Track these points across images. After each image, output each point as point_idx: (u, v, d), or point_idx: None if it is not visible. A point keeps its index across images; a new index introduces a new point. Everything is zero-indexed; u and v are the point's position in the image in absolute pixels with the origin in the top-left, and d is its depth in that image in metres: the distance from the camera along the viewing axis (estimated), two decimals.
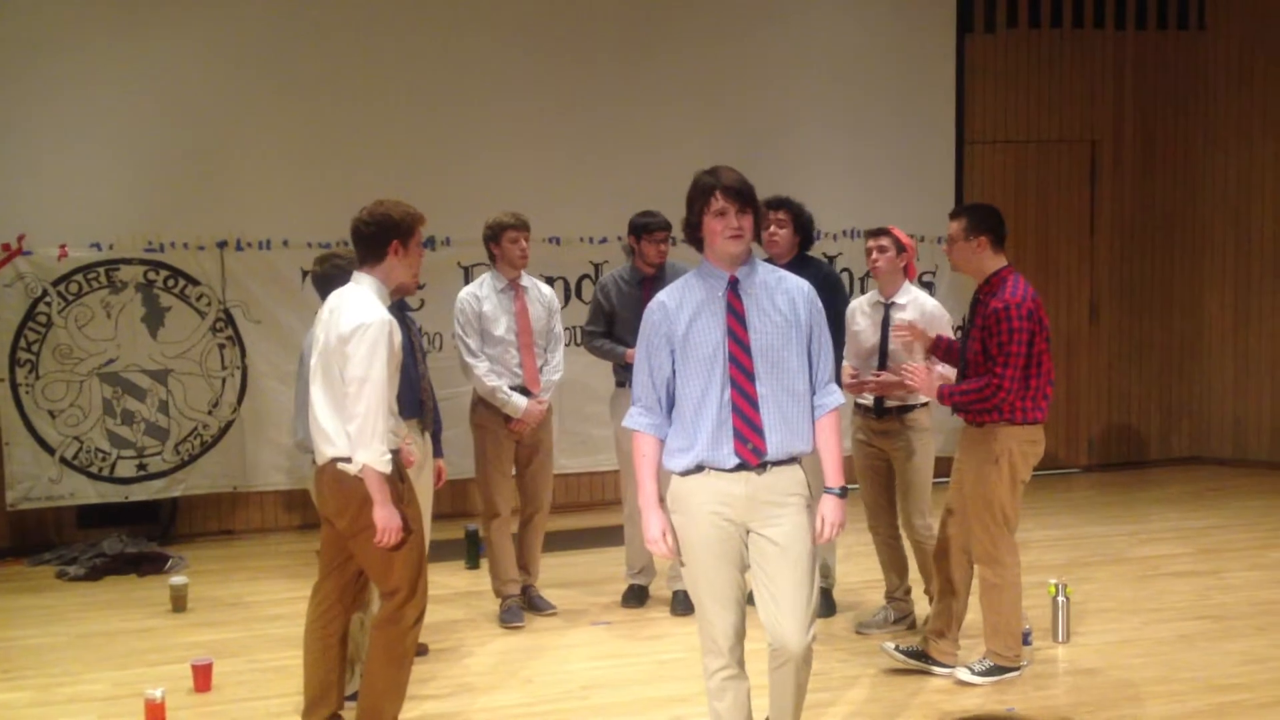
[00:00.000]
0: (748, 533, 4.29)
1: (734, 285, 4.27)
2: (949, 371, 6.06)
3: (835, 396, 4.38)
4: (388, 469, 4.69)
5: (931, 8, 10.17)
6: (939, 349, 6.09)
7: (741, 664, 4.36)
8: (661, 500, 4.35)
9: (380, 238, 4.81)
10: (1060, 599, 6.32)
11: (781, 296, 4.29)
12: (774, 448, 4.23)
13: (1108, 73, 10.67)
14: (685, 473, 4.27)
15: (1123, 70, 10.71)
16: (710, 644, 4.32)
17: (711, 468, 4.23)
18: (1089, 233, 10.78)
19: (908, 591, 6.61)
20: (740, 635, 4.33)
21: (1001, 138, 10.50)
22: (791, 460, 4.30)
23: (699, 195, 4.27)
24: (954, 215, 5.81)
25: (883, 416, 6.35)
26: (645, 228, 6.86)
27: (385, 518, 4.69)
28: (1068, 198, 10.71)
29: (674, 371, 4.25)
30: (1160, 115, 10.82)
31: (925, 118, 10.15)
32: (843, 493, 4.36)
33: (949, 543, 5.90)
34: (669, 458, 4.31)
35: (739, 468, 4.22)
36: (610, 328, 6.96)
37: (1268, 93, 10.52)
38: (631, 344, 6.82)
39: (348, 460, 4.70)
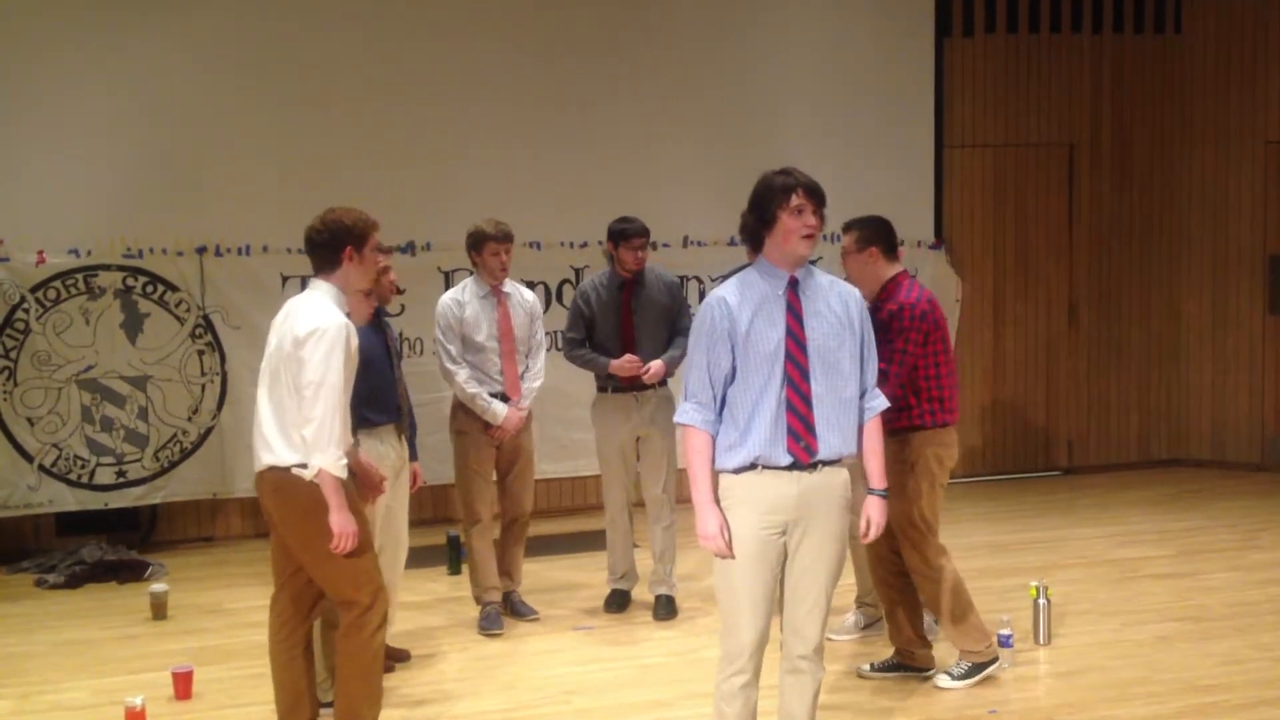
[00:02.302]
0: (789, 531, 4.34)
1: (794, 285, 4.33)
2: None
3: (881, 400, 4.51)
4: (344, 474, 4.67)
5: (910, 12, 10.19)
6: None
7: (758, 673, 4.40)
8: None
9: (334, 244, 4.81)
10: (1041, 601, 6.34)
11: (835, 299, 4.39)
12: (825, 447, 4.31)
13: (1085, 76, 10.70)
14: (738, 470, 4.31)
15: (1100, 74, 10.74)
16: (732, 645, 4.37)
17: (765, 466, 4.28)
18: (1067, 236, 10.81)
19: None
20: (764, 642, 4.37)
21: (980, 141, 10.52)
22: (838, 461, 4.37)
23: (777, 193, 4.32)
24: (846, 228, 5.89)
25: None
26: (623, 234, 6.86)
27: (341, 523, 4.66)
28: (1046, 201, 10.74)
29: (733, 368, 4.28)
30: (1137, 118, 10.86)
31: (904, 121, 10.16)
32: (885, 494, 4.50)
33: (879, 549, 5.83)
34: (718, 456, 4.35)
35: (792, 466, 4.28)
36: (590, 334, 6.96)
37: (1244, 96, 10.57)
38: (611, 350, 6.87)
39: (298, 467, 4.66)
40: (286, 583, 4.98)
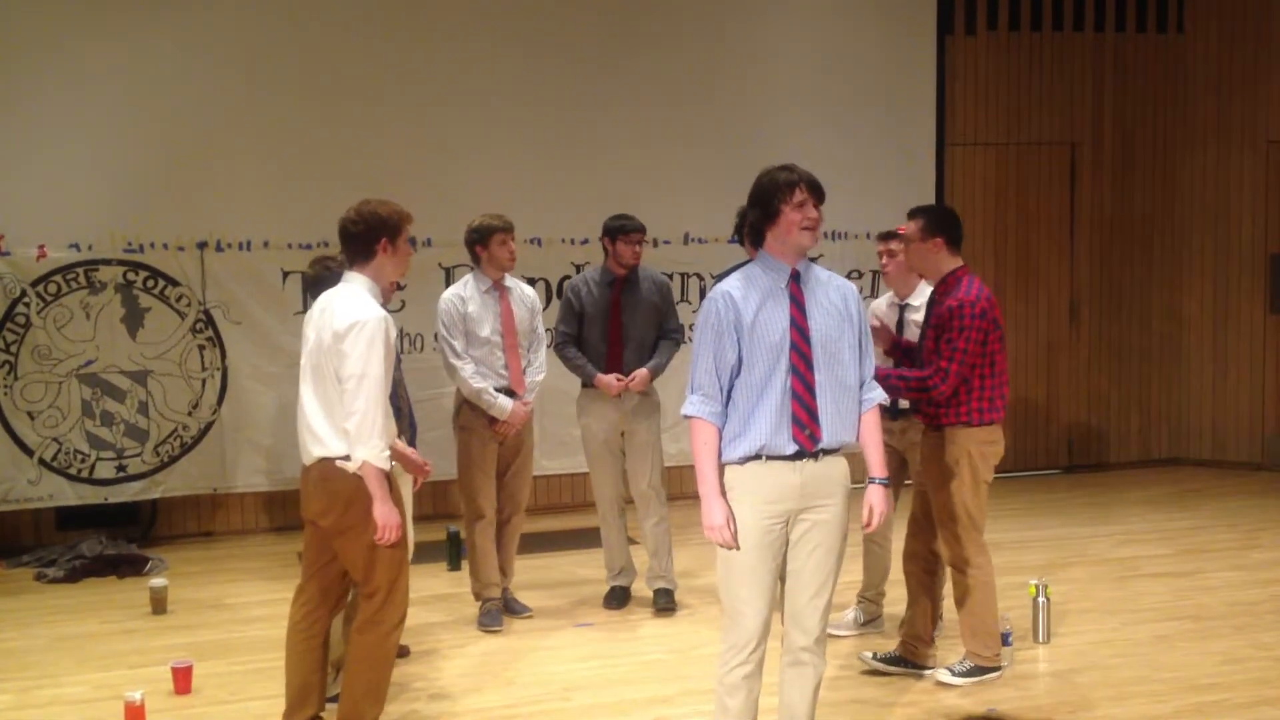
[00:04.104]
0: (791, 521, 4.37)
1: (796, 277, 4.39)
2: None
3: (879, 392, 4.57)
4: (387, 465, 4.71)
5: (912, 10, 10.19)
6: (897, 353, 6.13)
7: (761, 665, 4.43)
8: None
9: (368, 236, 4.83)
10: (1040, 600, 6.34)
11: (834, 292, 4.46)
12: (828, 436, 4.36)
13: (1087, 75, 10.71)
14: (743, 461, 4.35)
15: (1102, 73, 10.75)
16: (734, 637, 4.39)
17: (770, 455, 4.32)
18: (1068, 235, 10.81)
19: (880, 595, 6.61)
20: (766, 632, 4.40)
21: (982, 140, 10.53)
22: (839, 450, 4.42)
23: (780, 189, 4.38)
24: (911, 215, 5.87)
25: (898, 417, 6.36)
26: (621, 229, 6.88)
27: (385, 514, 4.70)
28: (1047, 200, 10.75)
29: (739, 360, 4.32)
30: (1139, 118, 10.86)
31: (906, 120, 10.16)
32: (885, 482, 4.55)
33: (913, 546, 5.93)
34: (722, 448, 4.38)
35: (796, 455, 4.32)
36: (580, 328, 6.96)
37: (1245, 95, 10.58)
38: (597, 346, 6.89)
39: (342, 459, 4.70)
40: (316, 574, 4.99)
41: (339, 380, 4.68)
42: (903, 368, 5.80)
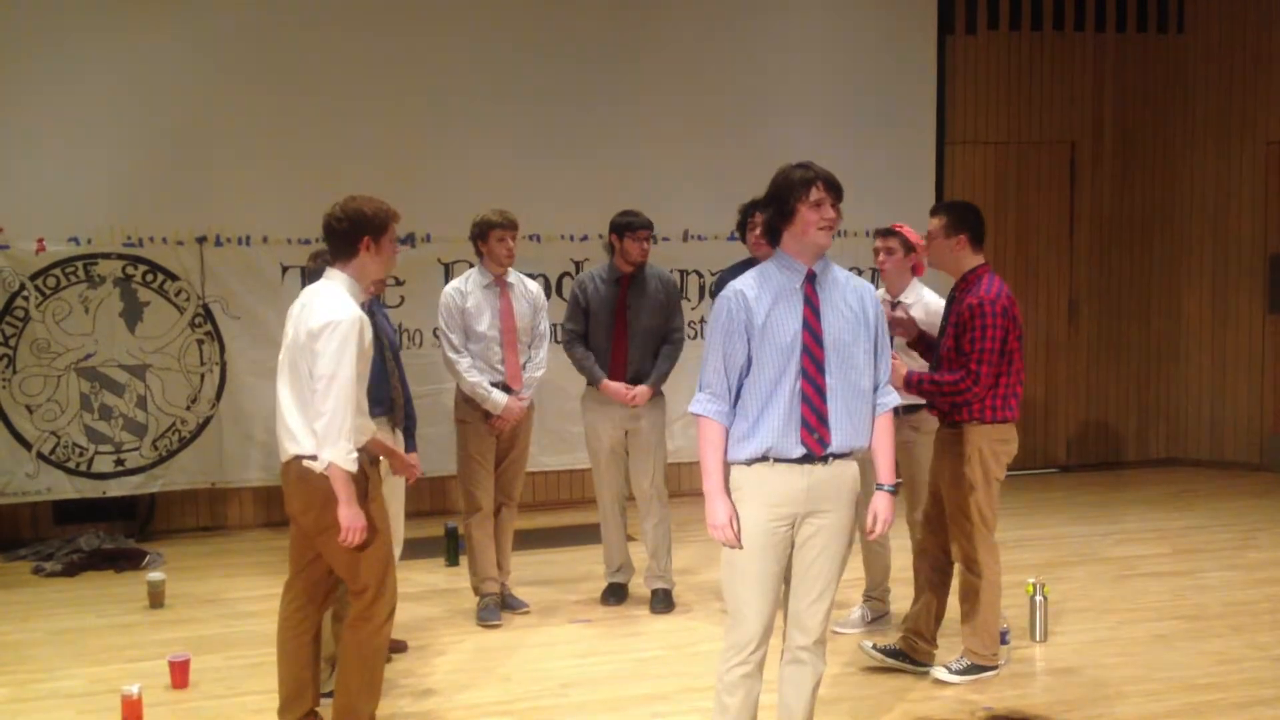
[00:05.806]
0: (797, 524, 4.36)
1: (811, 279, 4.36)
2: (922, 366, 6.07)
3: (893, 397, 4.53)
4: (354, 467, 4.67)
5: (913, 9, 10.19)
6: (921, 345, 6.10)
7: (761, 665, 4.43)
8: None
9: (352, 234, 4.79)
10: (1038, 598, 6.34)
11: (851, 294, 4.41)
12: (838, 440, 4.33)
13: (1087, 75, 10.71)
14: (750, 462, 4.33)
15: (1102, 72, 10.75)
16: (738, 636, 4.39)
17: (776, 458, 4.30)
18: (1068, 233, 10.82)
19: (886, 592, 6.62)
20: (768, 633, 4.40)
21: (982, 139, 10.53)
22: (849, 454, 4.39)
23: (796, 186, 4.35)
24: (934, 212, 5.85)
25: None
26: (628, 226, 6.85)
27: (350, 517, 4.67)
28: (1047, 198, 10.75)
29: (749, 360, 4.30)
30: (1139, 117, 10.86)
31: (906, 118, 10.15)
32: (894, 489, 4.53)
33: (925, 543, 5.94)
34: (730, 447, 4.37)
35: (804, 458, 4.30)
36: (587, 325, 6.96)
37: (1245, 95, 10.58)
38: (602, 344, 6.88)
39: (312, 458, 4.68)
40: (303, 570, 4.99)
41: (311, 379, 4.67)
42: (933, 372, 5.73)
